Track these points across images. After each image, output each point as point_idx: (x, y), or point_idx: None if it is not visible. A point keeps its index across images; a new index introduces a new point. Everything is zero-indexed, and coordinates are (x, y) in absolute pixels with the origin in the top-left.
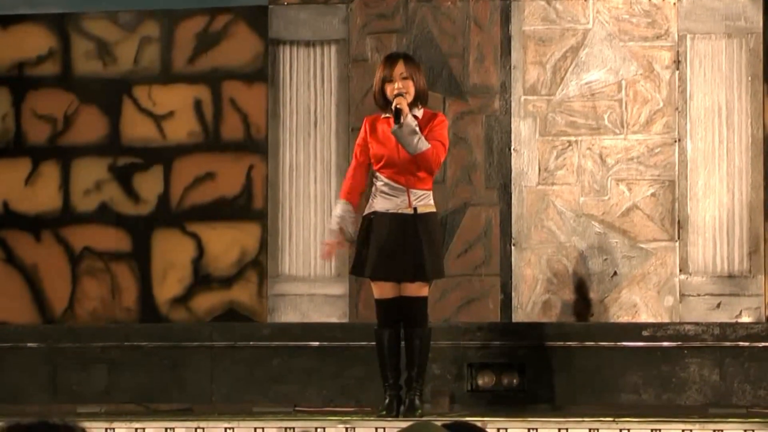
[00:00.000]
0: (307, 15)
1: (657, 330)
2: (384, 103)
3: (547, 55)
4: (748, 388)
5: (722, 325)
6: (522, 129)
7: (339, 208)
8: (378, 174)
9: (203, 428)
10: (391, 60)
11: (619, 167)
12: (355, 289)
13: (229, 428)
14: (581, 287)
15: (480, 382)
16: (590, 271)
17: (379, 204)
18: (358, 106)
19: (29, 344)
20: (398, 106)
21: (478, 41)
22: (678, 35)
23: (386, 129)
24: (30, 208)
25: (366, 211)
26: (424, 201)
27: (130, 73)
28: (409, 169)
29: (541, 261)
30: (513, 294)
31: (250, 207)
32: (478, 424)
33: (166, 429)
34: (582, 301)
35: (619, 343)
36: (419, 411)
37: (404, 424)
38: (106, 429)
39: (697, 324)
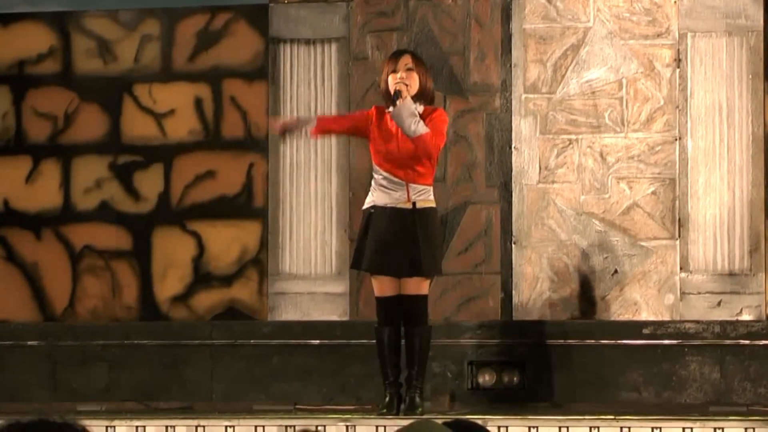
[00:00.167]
0: (307, 13)
1: (657, 328)
2: (389, 97)
3: (548, 53)
4: (748, 386)
5: (723, 323)
6: (522, 127)
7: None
8: (378, 168)
9: (204, 426)
10: (397, 53)
11: (619, 165)
12: (356, 287)
13: (230, 426)
14: (582, 285)
15: (480, 380)
16: (591, 270)
17: (379, 198)
18: (358, 104)
19: (29, 342)
20: (398, 88)
21: (479, 39)
22: (678, 33)
23: (389, 123)
24: (30, 207)
25: (365, 205)
26: (424, 196)
27: (131, 71)
28: (409, 163)
29: (541, 259)
30: (513, 292)
31: (250, 205)
32: (479, 422)
33: (166, 427)
34: (582, 300)
35: (619, 341)
36: (420, 409)
37: (405, 422)
38: (107, 427)
39: (697, 322)
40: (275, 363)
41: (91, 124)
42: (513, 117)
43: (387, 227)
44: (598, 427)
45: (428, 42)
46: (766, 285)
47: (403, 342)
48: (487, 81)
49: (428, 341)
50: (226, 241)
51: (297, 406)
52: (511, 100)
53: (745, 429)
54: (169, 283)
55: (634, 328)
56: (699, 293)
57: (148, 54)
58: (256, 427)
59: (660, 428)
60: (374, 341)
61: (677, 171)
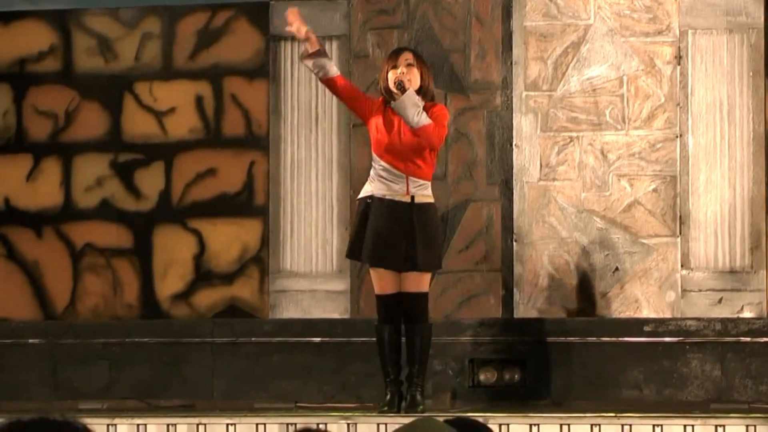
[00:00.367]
0: (308, 11)
1: (658, 325)
2: (388, 93)
3: (549, 50)
4: (749, 384)
5: (724, 321)
6: (523, 125)
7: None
8: (377, 158)
9: (204, 424)
10: (397, 51)
11: (620, 163)
12: (357, 284)
13: (231, 424)
14: (583, 283)
15: (481, 377)
16: (592, 267)
17: (377, 189)
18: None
19: (30, 340)
20: (400, 79)
21: (480, 37)
22: (679, 31)
23: (392, 114)
24: (31, 205)
25: (362, 194)
26: (422, 191)
27: (132, 69)
28: (410, 156)
29: (542, 257)
30: (514, 290)
31: (251, 203)
32: (480, 419)
33: (167, 425)
34: (583, 297)
35: (620, 339)
36: (421, 407)
37: (406, 420)
38: (108, 425)
39: (698, 319)
40: (276, 361)
41: (91, 122)
42: (514, 114)
43: (385, 220)
44: (599, 425)
45: (429, 40)
46: (767, 282)
47: (403, 340)
48: (488, 78)
49: (429, 339)
50: (227, 239)
51: (298, 404)
52: (511, 97)
53: (746, 426)
54: (170, 281)
55: (635, 325)
56: (700, 290)
57: (148, 52)
58: (257, 425)
59: (661, 426)
60: (375, 339)
61: (678, 168)
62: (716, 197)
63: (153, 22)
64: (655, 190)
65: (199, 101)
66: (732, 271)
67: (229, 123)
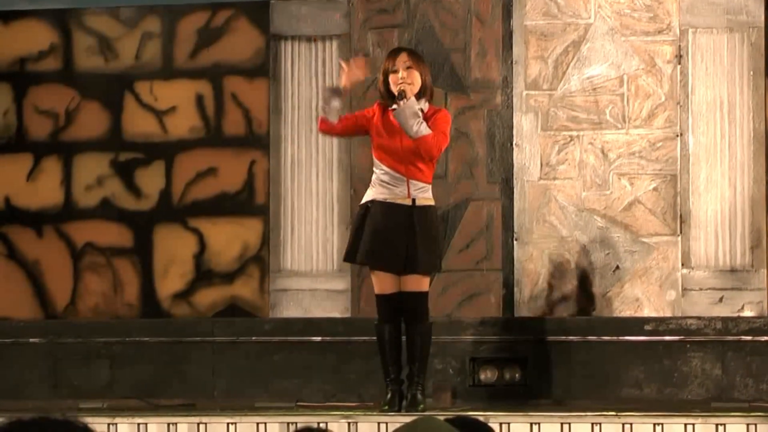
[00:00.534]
0: (308, 10)
1: (659, 324)
2: (388, 95)
3: (549, 49)
4: (750, 383)
5: (724, 320)
6: (524, 124)
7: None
8: (379, 163)
9: (205, 423)
10: (394, 52)
11: (620, 162)
12: (357, 284)
13: (231, 423)
14: (583, 282)
15: (482, 376)
16: (592, 266)
17: (378, 193)
18: (359, 100)
19: (31, 339)
20: (402, 89)
21: (480, 36)
22: (680, 30)
23: (392, 118)
24: (32, 204)
25: (364, 200)
26: (423, 193)
27: (132, 68)
28: (410, 159)
29: (543, 256)
30: (515, 289)
31: (251, 202)
32: (481, 418)
33: (168, 424)
34: (584, 296)
35: (621, 338)
36: (421, 406)
37: (406, 419)
38: (108, 424)
39: (699, 318)
40: (277, 360)
41: (92, 121)
42: (514, 113)
43: (385, 221)
44: (600, 424)
45: (429, 39)
46: None
47: (404, 339)
48: (488, 78)
49: (429, 338)
50: (228, 238)
51: (298, 404)
52: (512, 96)
53: (747, 425)
54: (170, 281)
55: (636, 324)
56: (700, 289)
57: (149, 51)
58: (257, 424)
59: (662, 425)
60: (375, 338)
61: (678, 167)
62: (717, 196)
63: (153, 22)
64: (655, 189)
65: (199, 100)
66: (732, 270)
67: (229, 122)
